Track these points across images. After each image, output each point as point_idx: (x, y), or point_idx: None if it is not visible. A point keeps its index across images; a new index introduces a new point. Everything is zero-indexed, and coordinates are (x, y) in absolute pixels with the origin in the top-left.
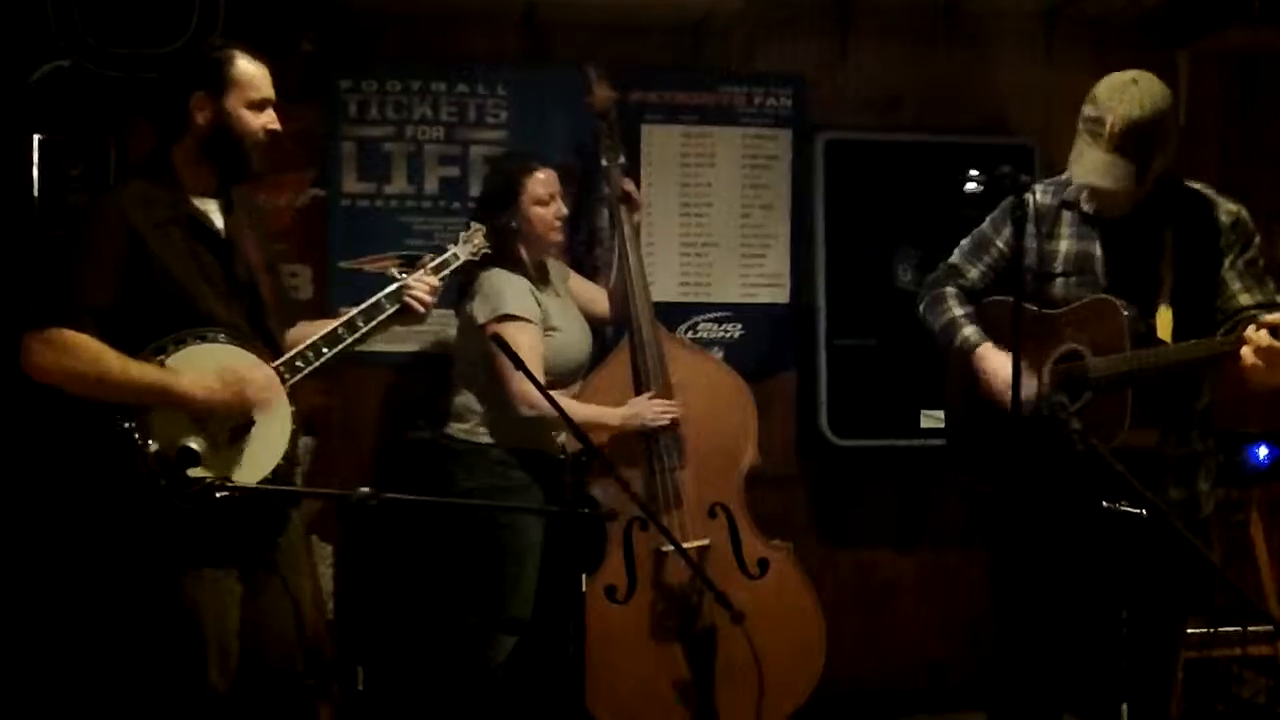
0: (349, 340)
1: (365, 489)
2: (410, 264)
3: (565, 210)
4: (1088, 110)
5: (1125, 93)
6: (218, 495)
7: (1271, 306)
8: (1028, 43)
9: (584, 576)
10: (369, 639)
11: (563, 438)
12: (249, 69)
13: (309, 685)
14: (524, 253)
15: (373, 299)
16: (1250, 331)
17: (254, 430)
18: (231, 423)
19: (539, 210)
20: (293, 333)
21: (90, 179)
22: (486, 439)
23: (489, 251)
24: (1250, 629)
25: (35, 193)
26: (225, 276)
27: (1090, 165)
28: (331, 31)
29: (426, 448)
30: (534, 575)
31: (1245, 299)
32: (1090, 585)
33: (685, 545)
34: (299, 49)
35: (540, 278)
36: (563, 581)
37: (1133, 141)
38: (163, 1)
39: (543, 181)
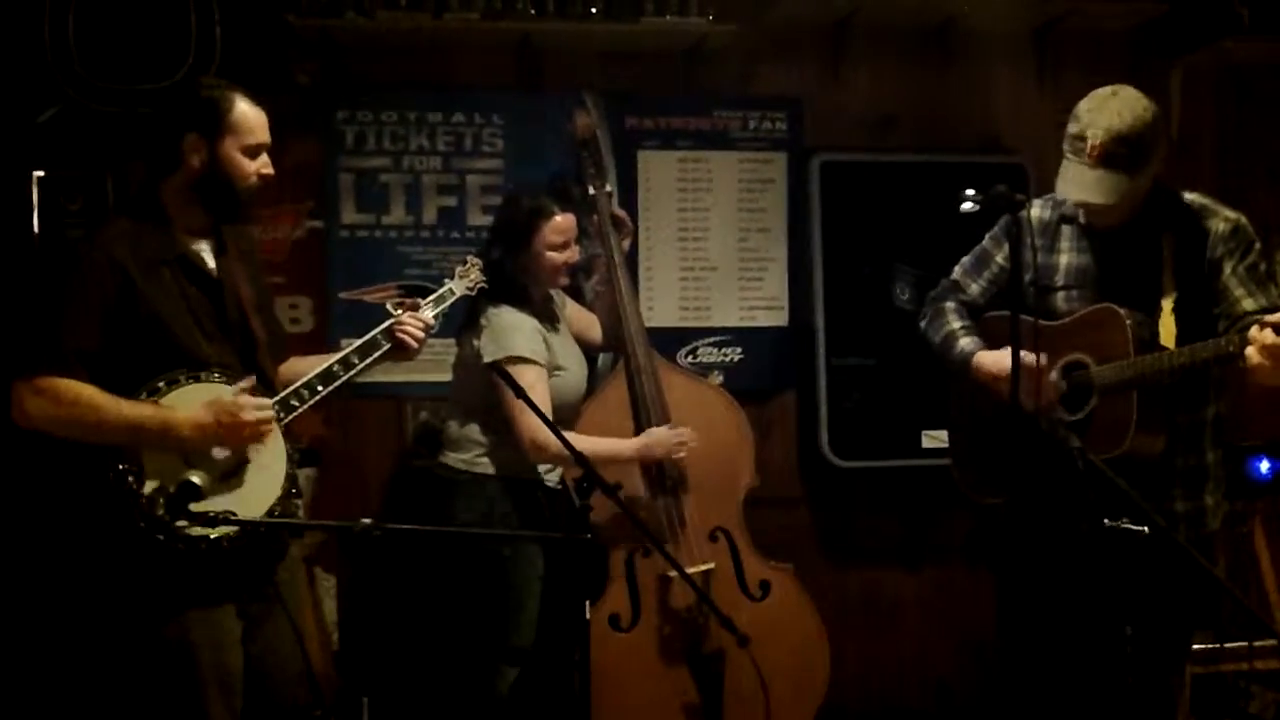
0: (344, 377)
1: (367, 520)
2: (411, 294)
3: (576, 257)
4: (1071, 128)
5: (1105, 107)
6: (216, 532)
7: (1275, 311)
8: (1020, 61)
9: (587, 605)
10: (373, 670)
11: (562, 468)
12: (247, 113)
13: (316, 717)
14: (531, 290)
15: (368, 336)
16: (1255, 331)
17: (248, 469)
18: (225, 463)
19: (550, 255)
20: (284, 368)
21: (89, 214)
22: (485, 469)
23: (485, 286)
24: (1257, 643)
25: (35, 228)
26: (216, 316)
27: (1075, 181)
28: (328, 64)
29: (426, 477)
30: (536, 605)
31: (1249, 304)
32: (1095, 601)
33: (689, 570)
34: (296, 81)
35: (546, 314)
36: (566, 610)
37: (1115, 155)
38: (159, 36)
39: (558, 228)
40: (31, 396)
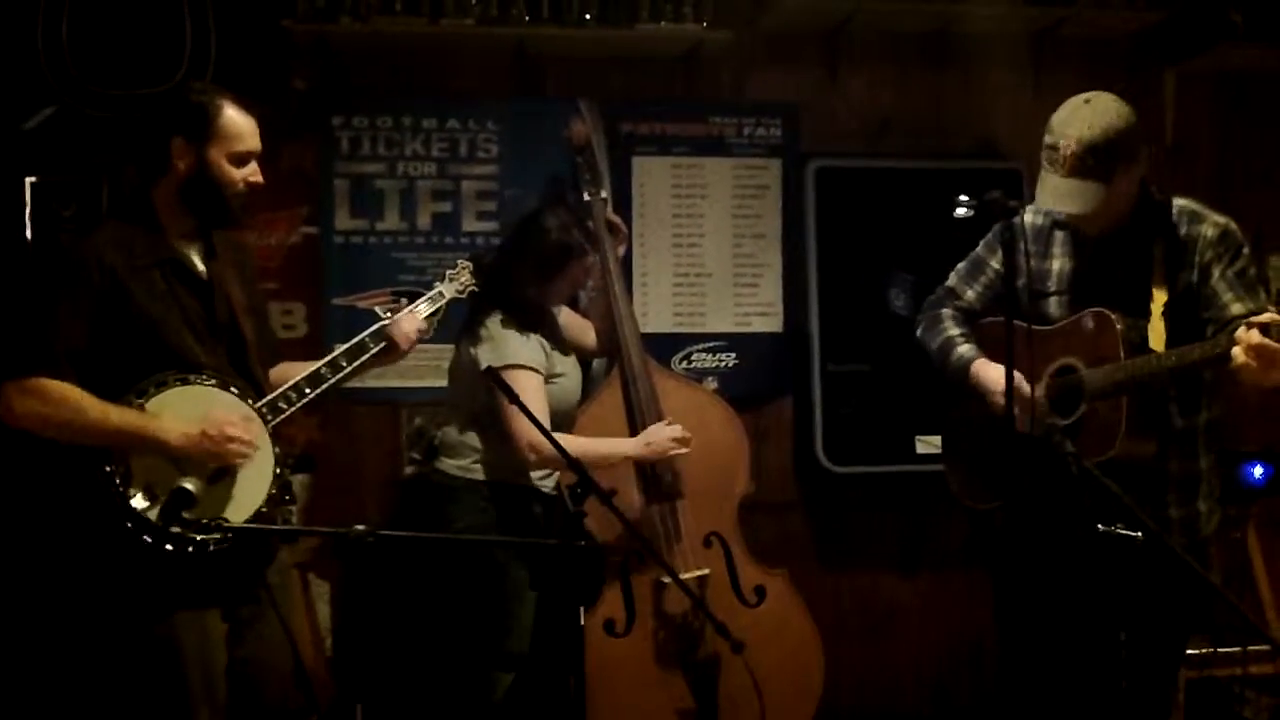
0: (332, 380)
1: (361, 526)
2: (403, 299)
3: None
4: (1046, 138)
5: (1075, 117)
6: (208, 537)
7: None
8: (1016, 66)
9: (582, 611)
10: (368, 676)
11: (557, 473)
12: (235, 119)
13: None
14: (537, 303)
15: (355, 339)
16: (1241, 331)
17: (236, 471)
18: (211, 467)
19: (566, 289)
20: (275, 372)
21: (82, 219)
22: (481, 475)
23: (476, 289)
24: (1251, 648)
25: (28, 234)
26: (206, 319)
27: (1051, 191)
28: (323, 69)
29: (422, 484)
30: (530, 611)
31: (1237, 308)
32: (1090, 606)
33: (683, 576)
34: (291, 87)
35: (546, 323)
36: (561, 617)
37: (1087, 163)
38: (154, 42)
39: (586, 268)
40: (19, 396)
